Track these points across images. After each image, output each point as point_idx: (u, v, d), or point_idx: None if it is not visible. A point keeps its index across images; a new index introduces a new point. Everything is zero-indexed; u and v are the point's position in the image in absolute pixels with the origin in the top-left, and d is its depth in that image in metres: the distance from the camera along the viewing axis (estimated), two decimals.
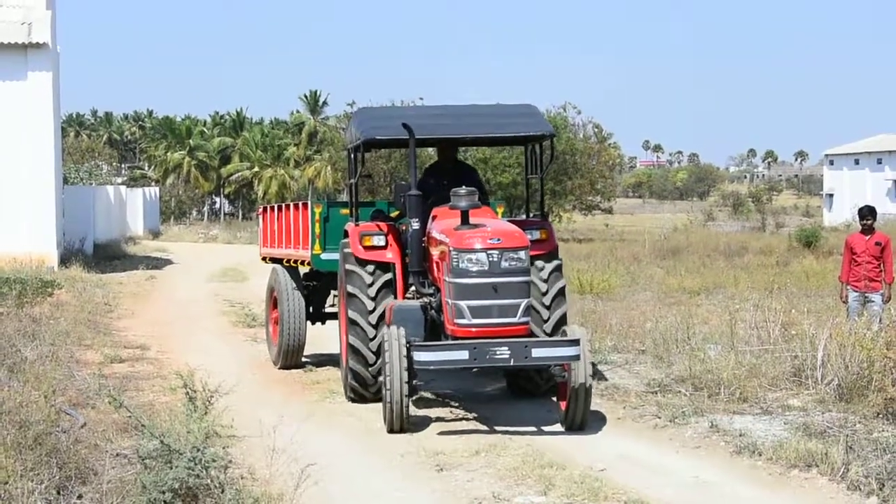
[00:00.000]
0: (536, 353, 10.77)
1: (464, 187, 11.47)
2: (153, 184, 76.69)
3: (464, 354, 10.64)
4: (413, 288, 12.30)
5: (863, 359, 11.72)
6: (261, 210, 18.14)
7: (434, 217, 12.08)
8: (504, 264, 10.86)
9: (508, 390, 13.27)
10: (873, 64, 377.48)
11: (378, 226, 12.76)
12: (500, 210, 14.30)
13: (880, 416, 10.96)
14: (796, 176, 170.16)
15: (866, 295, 14.89)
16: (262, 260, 17.31)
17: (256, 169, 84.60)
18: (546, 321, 12.04)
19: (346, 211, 14.01)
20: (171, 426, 9.14)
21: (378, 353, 11.77)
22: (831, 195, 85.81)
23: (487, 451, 10.29)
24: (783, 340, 13.97)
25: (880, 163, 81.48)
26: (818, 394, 12.04)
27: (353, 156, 13.43)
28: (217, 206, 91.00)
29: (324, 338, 16.28)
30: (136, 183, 75.31)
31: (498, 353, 10.63)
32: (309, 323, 15.49)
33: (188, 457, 7.86)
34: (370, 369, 12.08)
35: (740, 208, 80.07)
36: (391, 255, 12.49)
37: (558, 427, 11.28)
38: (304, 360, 15.55)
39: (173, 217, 74.63)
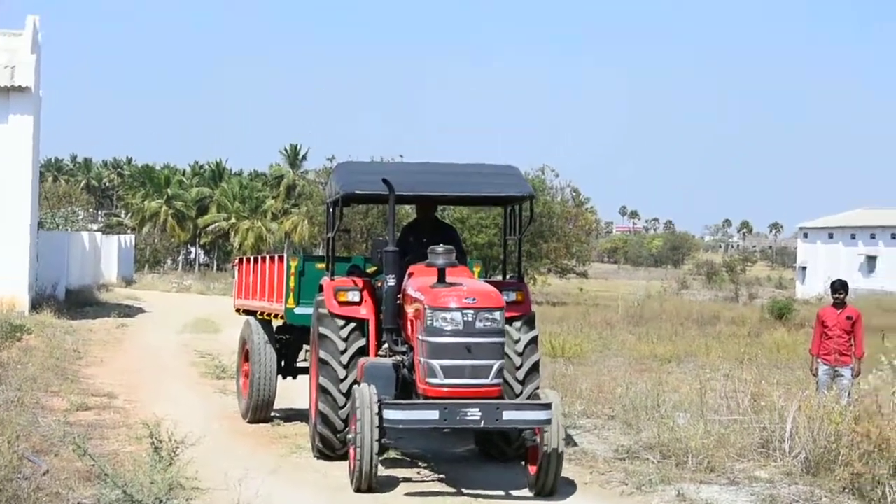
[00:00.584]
0: (508, 415, 10.60)
1: (441, 245, 11.39)
2: (129, 231, 76.59)
3: (434, 414, 10.48)
4: (386, 345, 12.09)
5: (831, 432, 11.74)
6: (237, 261, 17.98)
7: (411, 274, 11.92)
8: (479, 324, 10.73)
9: (478, 452, 13.08)
10: (850, 139, 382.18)
11: (354, 281, 12.62)
12: (476, 269, 14.17)
13: (846, 490, 10.96)
14: (770, 247, 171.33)
15: (836, 369, 14.95)
16: (235, 311, 17.14)
17: (233, 220, 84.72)
18: (518, 395, 11.86)
19: (321, 265, 13.86)
20: (135, 476, 9.07)
21: (347, 420, 11.57)
22: (804, 268, 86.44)
23: (441, 502, 10.25)
24: (752, 411, 13.98)
25: (854, 238, 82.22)
26: (785, 466, 12.04)
27: (332, 210, 13.23)
28: (192, 255, 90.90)
29: (293, 391, 16.17)
30: (112, 230, 75.19)
31: (469, 414, 10.48)
32: (280, 377, 15.31)
33: None
34: (338, 435, 11.94)
35: (714, 278, 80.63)
36: (365, 312, 12.33)
37: (526, 492, 11.17)
38: (273, 414, 15.41)
39: (147, 265, 74.49)
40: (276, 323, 15.20)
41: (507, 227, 13.45)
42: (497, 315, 10.85)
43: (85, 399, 15.88)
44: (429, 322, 10.76)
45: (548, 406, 10.67)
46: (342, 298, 12.31)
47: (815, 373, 15.27)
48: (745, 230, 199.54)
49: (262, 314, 15.39)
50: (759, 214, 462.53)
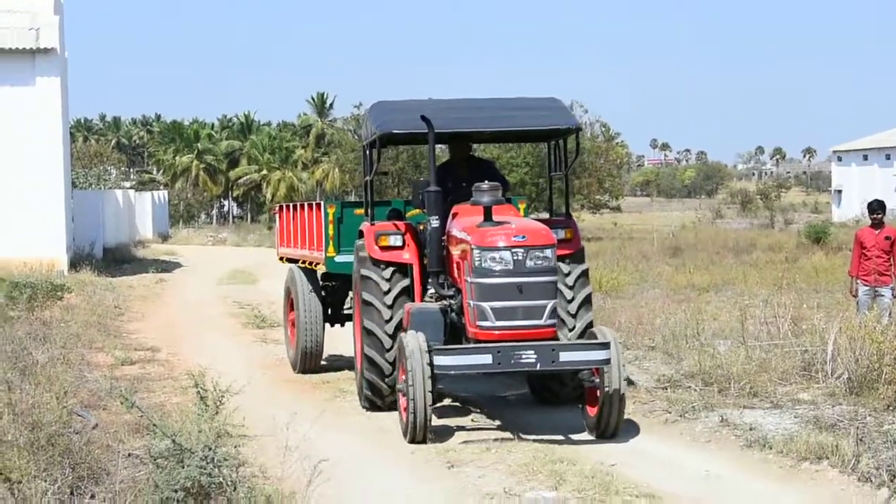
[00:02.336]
0: (564, 356, 10.25)
1: (486, 182, 10.98)
2: (162, 187, 76.83)
3: (487, 358, 10.13)
4: (431, 290, 11.71)
5: (873, 352, 11.71)
6: (276, 209, 17.56)
7: (454, 215, 11.53)
8: (529, 263, 10.32)
9: (531, 395, 12.76)
10: (880, 60, 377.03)
11: (395, 225, 12.19)
12: (521, 206, 13.67)
13: (890, 408, 10.96)
14: (804, 173, 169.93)
15: (876, 289, 14.90)
16: (279, 260, 16.89)
17: (265, 172, 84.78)
18: (571, 330, 11.54)
19: (360, 211, 13.43)
20: (183, 426, 9.13)
21: (394, 363, 11.27)
22: (840, 191, 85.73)
23: (498, 447, 10.29)
24: (793, 335, 13.99)
25: (889, 158, 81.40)
26: (828, 387, 12.04)
27: (368, 152, 12.76)
28: (225, 209, 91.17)
29: (339, 339, 16.02)
30: (145, 187, 75.49)
31: (524, 356, 10.12)
32: (328, 325, 15.15)
33: (200, 455, 7.87)
34: (386, 380, 11.63)
35: (749, 206, 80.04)
36: (408, 256, 11.92)
37: (586, 434, 10.83)
38: (322, 363, 15.29)
39: (182, 220, 74.74)
40: (320, 270, 14.82)
41: (551, 164, 12.99)
42: (548, 253, 10.42)
43: (129, 354, 16.06)
44: (477, 263, 10.36)
45: (606, 345, 10.32)
46: (384, 243, 11.91)
47: (854, 294, 15.21)
48: (778, 156, 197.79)
49: (304, 262, 15.14)
50: (792, 140, 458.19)
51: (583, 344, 10.66)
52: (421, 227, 11.98)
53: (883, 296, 14.80)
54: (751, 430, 10.54)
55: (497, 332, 10.33)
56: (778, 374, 12.57)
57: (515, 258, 10.31)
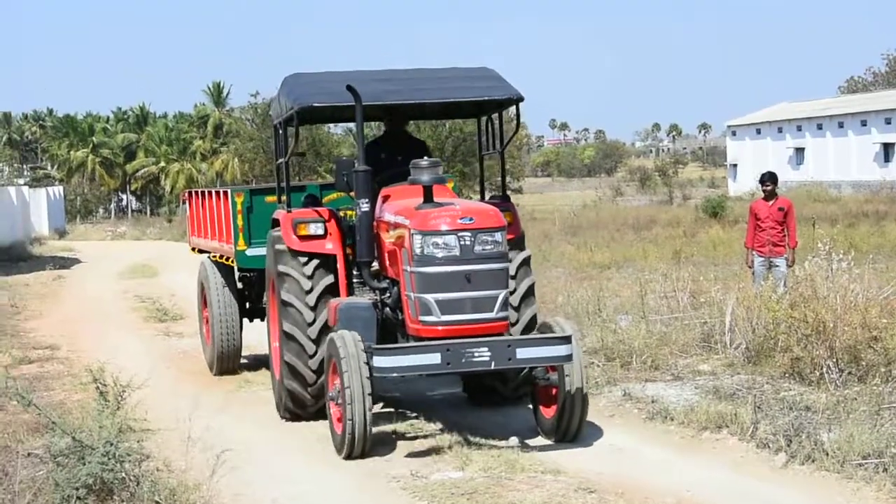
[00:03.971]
0: (522, 353, 9.10)
1: (426, 158, 9.90)
2: (57, 183, 75.41)
3: (435, 358, 8.95)
4: (357, 284, 10.69)
5: (769, 321, 11.97)
6: (185, 195, 16.32)
7: (386, 198, 10.37)
8: (478, 248, 9.19)
9: (465, 395, 11.62)
10: (771, 36, 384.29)
11: (316, 211, 10.94)
12: (449, 185, 11.72)
13: (786, 375, 11.22)
14: (700, 148, 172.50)
15: (771, 259, 15.18)
16: (191, 250, 15.98)
17: (163, 164, 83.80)
18: (514, 324, 10.32)
19: (272, 199, 12.39)
20: (83, 423, 9.01)
21: (319, 370, 10.27)
22: (735, 165, 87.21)
23: (404, 431, 10.30)
24: (692, 308, 14.25)
25: (781, 131, 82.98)
26: (727, 358, 12.28)
27: (282, 131, 11.57)
28: (124, 203, 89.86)
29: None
30: (40, 183, 73.98)
31: (476, 355, 8.97)
32: (246, 321, 14.12)
33: (101, 452, 7.77)
34: (310, 389, 10.48)
35: (647, 182, 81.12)
36: (331, 246, 10.65)
37: (542, 439, 9.83)
38: (243, 360, 14.35)
39: (79, 216, 73.48)
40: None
41: (486, 141, 11.94)
42: (499, 236, 9.31)
43: (26, 353, 15.76)
44: (418, 250, 9.21)
45: (567, 339, 9.25)
46: (303, 232, 10.63)
47: (750, 265, 15.49)
48: (674, 133, 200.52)
49: (215, 255, 14.20)
50: (688, 116, 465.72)
51: (541, 338, 9.44)
52: (342, 214, 10.99)
53: (778, 266, 15.08)
54: (653, 402, 10.72)
55: (442, 327, 9.19)
56: (678, 347, 12.79)
57: (462, 243, 9.18)
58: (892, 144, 71.06)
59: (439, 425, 10.41)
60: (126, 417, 9.55)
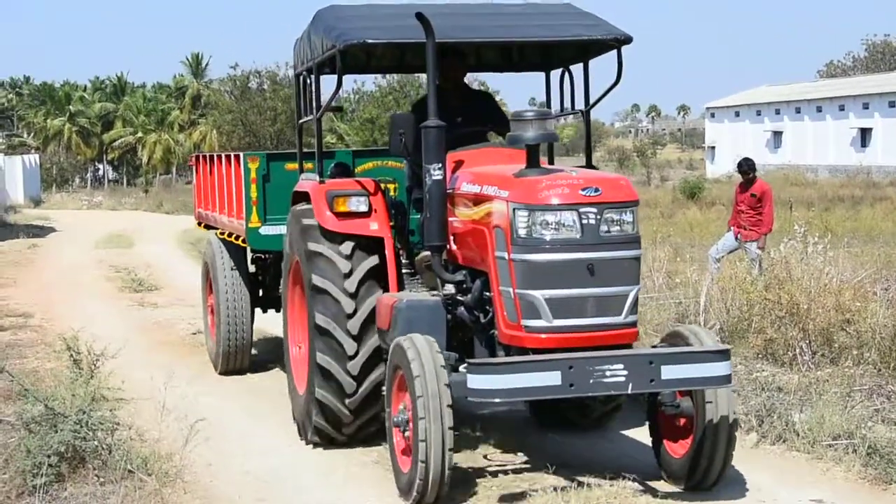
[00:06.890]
0: (668, 373, 6.80)
1: (530, 109, 7.56)
2: (33, 151, 74.95)
3: (554, 378, 6.60)
4: (417, 276, 8.54)
5: (743, 302, 12.03)
6: (192, 159, 13.85)
7: (458, 163, 8.03)
8: (605, 230, 6.91)
9: (532, 418, 9.45)
10: (751, 19, 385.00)
11: (358, 182, 8.63)
12: None
13: (760, 356, 11.26)
14: (679, 130, 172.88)
15: (744, 242, 15.54)
16: (197, 225, 13.66)
17: (140, 134, 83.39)
18: None
19: (292, 165, 9.95)
20: (56, 391, 9.01)
21: (361, 377, 8.18)
22: (713, 147, 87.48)
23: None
24: (668, 288, 14.29)
25: (759, 114, 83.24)
26: None
27: (312, 79, 8.90)
28: (100, 172, 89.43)
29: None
30: (15, 151, 73.48)
31: (608, 373, 6.68)
32: (259, 310, 12.08)
33: (74, 420, 7.76)
34: (348, 401, 8.25)
35: (626, 163, 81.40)
36: (377, 227, 8.34)
37: (662, 482, 7.62)
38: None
39: (55, 185, 73.11)
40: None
41: (562, 98, 9.73)
42: (630, 216, 7.03)
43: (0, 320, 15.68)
44: (522, 230, 6.90)
45: (725, 355, 6.98)
46: (342, 208, 8.31)
47: None
48: (653, 114, 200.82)
49: (222, 233, 11.79)
50: (667, 98, 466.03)
51: (692, 353, 7.02)
52: (386, 187, 8.84)
53: (749, 250, 15.39)
54: None
55: (554, 335, 6.90)
56: (653, 327, 12.80)
57: (585, 222, 6.86)
58: (870, 129, 71.40)
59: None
60: (99, 386, 9.57)
